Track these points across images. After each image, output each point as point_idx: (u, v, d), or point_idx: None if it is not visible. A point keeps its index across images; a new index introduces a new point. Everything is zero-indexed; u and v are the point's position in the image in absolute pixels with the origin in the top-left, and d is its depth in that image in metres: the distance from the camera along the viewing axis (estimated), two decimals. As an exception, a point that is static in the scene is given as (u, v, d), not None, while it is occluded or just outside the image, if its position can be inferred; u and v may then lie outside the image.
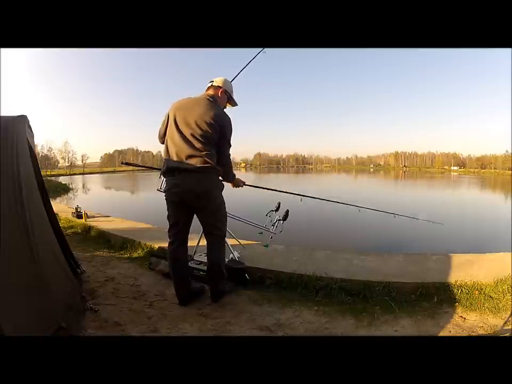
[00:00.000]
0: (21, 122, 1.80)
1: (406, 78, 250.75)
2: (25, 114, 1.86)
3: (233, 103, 2.14)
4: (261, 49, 2.19)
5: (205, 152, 1.83)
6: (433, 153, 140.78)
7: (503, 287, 1.94)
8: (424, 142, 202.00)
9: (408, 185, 33.12)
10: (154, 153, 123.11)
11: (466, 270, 2.22)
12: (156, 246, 3.06)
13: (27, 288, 1.40)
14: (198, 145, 1.83)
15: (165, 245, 3.04)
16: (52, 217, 2.15)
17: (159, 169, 2.61)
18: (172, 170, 1.89)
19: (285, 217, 2.62)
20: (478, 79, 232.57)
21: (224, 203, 2.05)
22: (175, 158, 1.86)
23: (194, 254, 2.56)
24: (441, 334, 1.66)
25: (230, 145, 1.99)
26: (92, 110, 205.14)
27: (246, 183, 2.35)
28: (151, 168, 3.00)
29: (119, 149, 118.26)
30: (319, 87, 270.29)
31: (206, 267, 2.39)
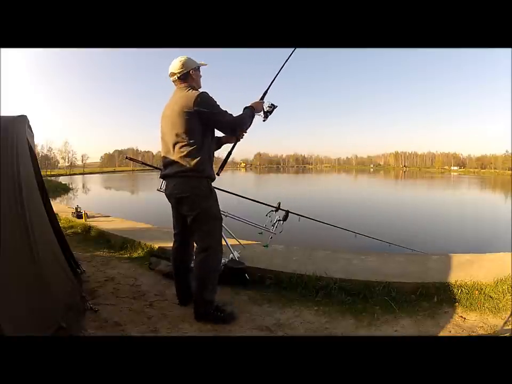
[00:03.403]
0: (21, 122, 1.80)
1: (406, 78, 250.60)
2: (25, 114, 1.86)
3: (202, 64, 1.90)
4: (293, 49, 1.97)
5: (184, 154, 1.73)
6: (433, 153, 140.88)
7: (503, 287, 1.94)
8: (424, 142, 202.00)
9: (408, 185, 33.14)
10: (154, 153, 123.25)
11: (466, 270, 2.22)
12: (156, 246, 3.06)
13: (27, 288, 1.40)
14: (177, 148, 1.75)
15: (165, 244, 3.06)
16: (52, 217, 2.15)
17: (160, 169, 2.62)
18: (162, 177, 1.94)
19: (285, 217, 2.62)
20: (478, 79, 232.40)
21: (214, 216, 1.84)
22: (163, 166, 1.89)
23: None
24: (441, 334, 1.66)
25: (222, 113, 1.76)
26: (92, 110, 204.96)
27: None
28: (153, 167, 3.00)
29: (119, 149, 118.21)
30: (319, 87, 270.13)
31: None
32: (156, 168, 2.75)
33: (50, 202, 2.31)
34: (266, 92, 2.03)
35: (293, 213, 2.75)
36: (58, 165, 75.47)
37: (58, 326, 1.43)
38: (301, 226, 3.01)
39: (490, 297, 1.92)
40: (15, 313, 1.27)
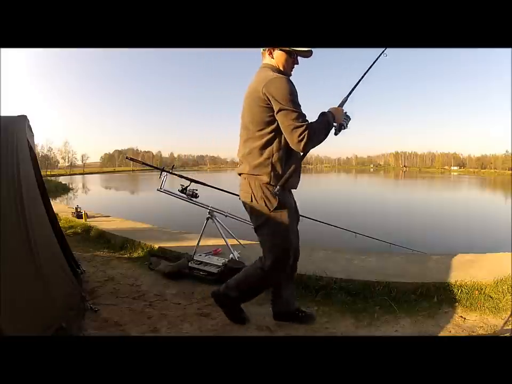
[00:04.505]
0: (21, 122, 1.81)
1: (406, 78, 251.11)
2: (25, 114, 1.86)
3: (304, 53, 1.49)
4: (383, 49, 1.57)
5: (248, 149, 1.47)
6: (433, 153, 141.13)
7: (503, 287, 1.94)
8: (424, 142, 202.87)
9: (409, 185, 33.12)
10: (154, 153, 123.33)
11: (466, 270, 2.22)
12: (156, 246, 3.06)
13: (27, 288, 1.40)
14: (242, 140, 1.52)
15: (165, 245, 3.06)
16: (52, 217, 2.15)
17: (161, 169, 2.62)
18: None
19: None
20: (478, 79, 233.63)
21: (276, 231, 1.50)
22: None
23: (194, 254, 2.56)
24: (441, 334, 1.66)
25: (290, 112, 1.34)
26: (92, 110, 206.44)
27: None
28: (153, 167, 3.00)
29: (119, 149, 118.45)
30: (318, 87, 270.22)
31: (206, 267, 2.39)
32: (156, 168, 2.75)
33: (50, 202, 2.31)
34: (348, 96, 1.60)
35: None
36: (58, 165, 75.79)
37: (58, 326, 1.43)
38: (301, 226, 3.01)
39: (490, 297, 1.92)
40: (15, 313, 1.27)
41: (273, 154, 1.43)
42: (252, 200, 1.49)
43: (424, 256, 2.80)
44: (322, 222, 3.24)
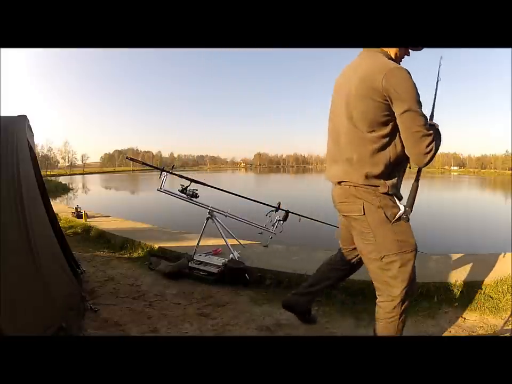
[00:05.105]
0: (21, 122, 1.81)
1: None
2: (25, 114, 1.86)
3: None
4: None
5: (355, 152, 1.18)
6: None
7: (503, 287, 1.94)
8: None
9: (408, 185, 33.04)
10: (154, 153, 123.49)
11: (466, 270, 2.22)
12: (156, 246, 3.07)
13: (27, 288, 1.40)
14: (346, 139, 1.21)
15: (165, 245, 3.07)
16: (52, 217, 2.15)
17: (161, 169, 2.62)
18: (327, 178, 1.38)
19: (285, 217, 2.62)
20: (478, 79, 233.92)
21: (399, 249, 1.18)
22: (327, 162, 1.36)
23: (194, 254, 2.56)
24: (441, 334, 1.65)
25: (418, 115, 1.08)
26: (92, 110, 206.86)
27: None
28: (153, 167, 3.00)
29: (119, 149, 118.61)
30: (318, 88, 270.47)
31: (206, 267, 2.39)
32: (156, 168, 2.75)
33: (50, 202, 2.31)
34: (433, 108, 1.42)
35: (293, 213, 2.75)
36: (58, 165, 75.91)
37: (58, 326, 1.43)
38: (301, 226, 3.01)
39: (490, 297, 1.92)
40: (15, 313, 1.27)
41: (389, 163, 1.16)
42: (363, 213, 1.19)
43: (424, 256, 2.80)
44: (323, 222, 3.24)
